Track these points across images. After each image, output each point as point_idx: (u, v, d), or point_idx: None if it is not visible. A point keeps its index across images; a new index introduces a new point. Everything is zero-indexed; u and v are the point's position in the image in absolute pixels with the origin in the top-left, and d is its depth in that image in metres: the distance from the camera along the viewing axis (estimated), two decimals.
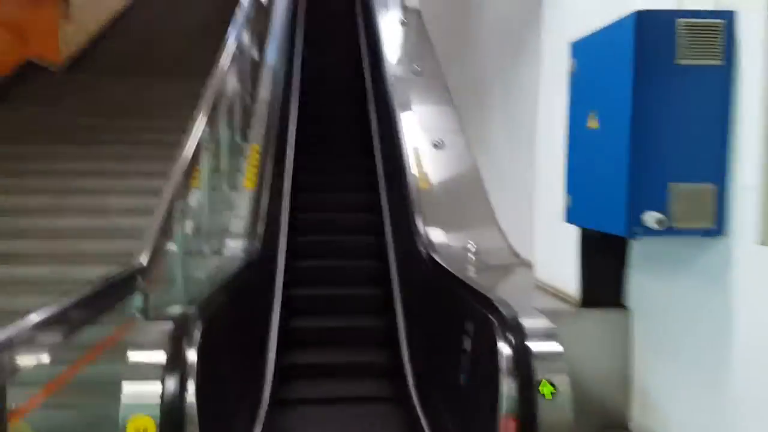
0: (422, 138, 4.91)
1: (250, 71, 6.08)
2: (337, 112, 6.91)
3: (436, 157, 4.76)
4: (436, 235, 3.61)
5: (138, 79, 6.65)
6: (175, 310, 2.11)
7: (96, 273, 2.47)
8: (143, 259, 2.43)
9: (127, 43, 8.16)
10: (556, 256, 2.62)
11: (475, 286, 2.39)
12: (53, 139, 5.25)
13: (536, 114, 2.82)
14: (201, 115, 3.62)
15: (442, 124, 5.19)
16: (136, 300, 2.39)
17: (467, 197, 4.46)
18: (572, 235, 2.41)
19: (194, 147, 3.33)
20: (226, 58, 4.57)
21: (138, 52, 7.78)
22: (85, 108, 5.90)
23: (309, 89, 7.22)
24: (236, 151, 4.94)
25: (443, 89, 5.71)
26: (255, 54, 6.52)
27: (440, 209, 4.12)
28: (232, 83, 5.10)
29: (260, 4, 7.26)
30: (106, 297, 2.23)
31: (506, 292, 2.72)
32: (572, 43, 2.19)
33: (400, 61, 6.34)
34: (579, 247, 2.38)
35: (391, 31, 6.89)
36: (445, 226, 3.88)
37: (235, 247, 3.53)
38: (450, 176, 4.65)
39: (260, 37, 6.81)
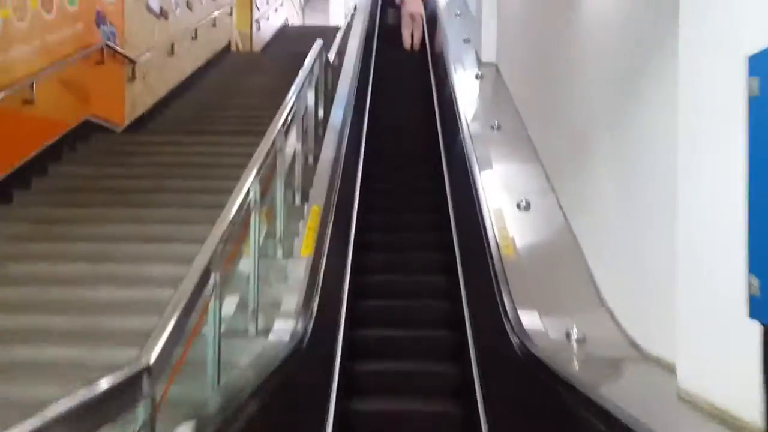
0: (504, 199, 4.24)
1: (315, 129, 5.70)
2: (407, 171, 6.36)
3: (522, 221, 4.06)
4: (529, 319, 2.87)
5: (203, 139, 6.37)
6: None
7: (129, 356, 1.91)
8: (150, 357, 1.84)
9: (194, 106, 8.01)
10: (719, 361, 1.86)
11: (608, 407, 1.67)
12: (102, 202, 4.90)
13: (669, 162, 2.14)
14: (246, 177, 3.11)
15: (527, 184, 4.50)
16: (139, 412, 1.79)
17: (562, 269, 3.71)
18: (752, 333, 1.66)
19: (234, 212, 2.79)
20: (280, 118, 4.13)
21: (205, 114, 7.58)
22: (142, 170, 5.59)
23: (376, 146, 6.74)
24: (294, 213, 4.44)
25: (526, 145, 5.06)
26: (320, 112, 6.18)
27: (530, 283, 3.38)
28: (289, 142, 4.68)
29: (328, 62, 6.97)
30: (99, 411, 1.63)
31: (640, 408, 1.97)
32: (750, 56, 1.51)
33: (476, 117, 5.79)
34: (766, 353, 1.62)
35: (465, 87, 6.39)
36: (540, 306, 3.14)
37: (282, 329, 2.91)
38: (539, 243, 3.93)
39: (328, 96, 6.49)
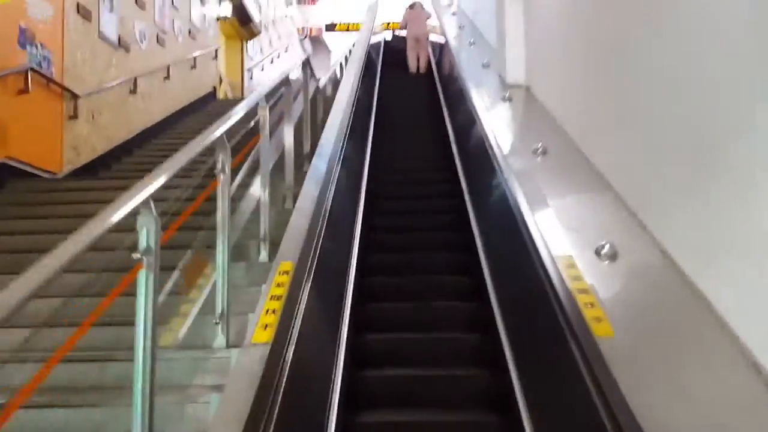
0: (573, 245, 2.76)
1: (297, 165, 4.38)
2: (421, 205, 4.95)
3: (608, 276, 2.56)
4: None
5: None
6: None
7: None
8: None
9: (163, 153, 6.69)
10: None
11: None
12: None
13: None
14: (114, 207, 1.64)
15: (602, 221, 3.01)
16: None
17: (695, 355, 2.15)
18: None
19: (49, 272, 1.31)
20: (223, 124, 2.73)
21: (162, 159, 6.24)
22: (52, 222, 4.14)
23: (381, 179, 5.38)
24: (257, 275, 3.00)
25: (585, 169, 3.60)
26: (307, 145, 4.91)
27: (653, 391, 1.87)
28: (256, 180, 3.33)
29: (318, 89, 5.73)
30: None
31: None
32: None
33: (512, 142, 4.41)
34: None
35: (492, 111, 5.07)
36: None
37: None
38: (645, 312, 2.40)
39: (318, 126, 5.31)
